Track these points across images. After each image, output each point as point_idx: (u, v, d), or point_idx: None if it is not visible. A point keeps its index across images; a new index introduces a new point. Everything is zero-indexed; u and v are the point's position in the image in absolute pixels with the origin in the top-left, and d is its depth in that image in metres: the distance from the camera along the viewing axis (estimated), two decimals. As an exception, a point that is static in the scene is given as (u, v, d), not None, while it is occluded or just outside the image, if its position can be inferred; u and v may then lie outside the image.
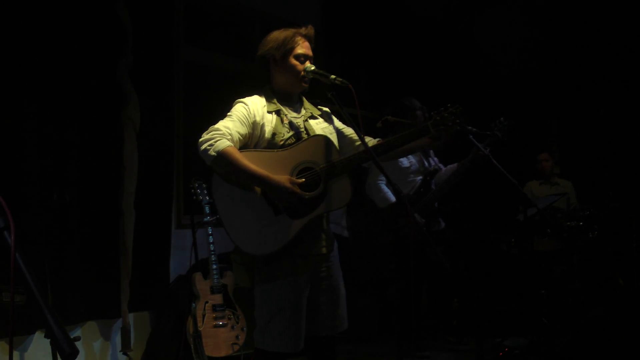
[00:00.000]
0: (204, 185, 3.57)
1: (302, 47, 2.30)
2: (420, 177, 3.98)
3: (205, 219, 3.49)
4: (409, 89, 5.19)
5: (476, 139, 3.61)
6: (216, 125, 2.18)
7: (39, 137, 3.20)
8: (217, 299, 3.46)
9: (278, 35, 2.32)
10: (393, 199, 3.86)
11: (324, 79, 2.24)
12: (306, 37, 2.33)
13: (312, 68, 2.28)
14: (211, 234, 3.46)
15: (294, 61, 2.29)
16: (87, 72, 3.44)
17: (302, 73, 2.29)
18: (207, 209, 3.51)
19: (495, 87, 5.79)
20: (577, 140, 5.85)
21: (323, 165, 2.20)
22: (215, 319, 3.42)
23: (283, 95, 2.34)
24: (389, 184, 2.12)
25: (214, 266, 3.45)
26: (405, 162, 3.97)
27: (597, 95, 5.65)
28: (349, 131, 2.42)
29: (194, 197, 3.54)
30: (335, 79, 2.19)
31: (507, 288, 4.58)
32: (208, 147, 2.12)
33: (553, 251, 4.55)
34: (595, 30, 5.52)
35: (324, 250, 2.28)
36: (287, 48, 2.29)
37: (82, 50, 3.41)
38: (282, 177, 2.13)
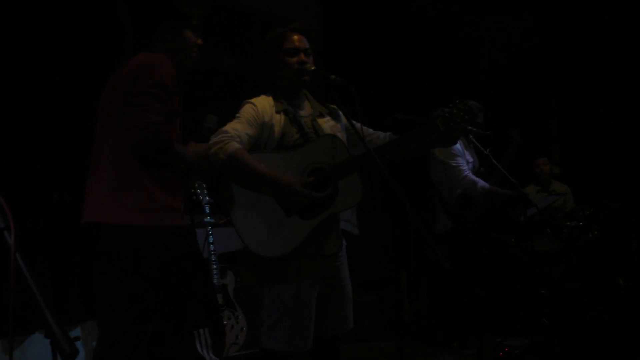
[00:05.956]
0: (204, 185, 3.56)
1: (292, 42, 2.27)
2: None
3: (206, 219, 3.48)
4: (409, 87, 5.21)
5: (476, 138, 3.64)
6: (224, 128, 2.16)
7: (39, 137, 3.20)
8: (217, 299, 3.46)
9: (269, 36, 2.33)
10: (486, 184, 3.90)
11: (324, 79, 2.22)
12: (298, 31, 2.30)
13: (312, 68, 2.27)
14: (211, 234, 3.45)
15: (283, 56, 2.27)
16: (87, 70, 3.43)
17: (296, 66, 2.25)
18: (207, 209, 3.50)
19: (496, 86, 5.79)
20: (577, 139, 5.85)
21: (333, 164, 2.18)
22: (215, 319, 3.41)
23: (288, 93, 2.32)
24: (389, 180, 2.10)
25: (214, 266, 3.45)
26: (469, 157, 4.02)
27: (597, 94, 5.65)
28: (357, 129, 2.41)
29: (194, 197, 3.53)
30: (335, 79, 2.18)
31: (507, 288, 4.57)
32: (217, 151, 2.09)
33: (553, 251, 4.55)
34: (596, 28, 5.52)
35: (333, 250, 2.27)
36: (275, 45, 2.29)
37: (82, 49, 3.41)
38: (292, 178, 2.11)
